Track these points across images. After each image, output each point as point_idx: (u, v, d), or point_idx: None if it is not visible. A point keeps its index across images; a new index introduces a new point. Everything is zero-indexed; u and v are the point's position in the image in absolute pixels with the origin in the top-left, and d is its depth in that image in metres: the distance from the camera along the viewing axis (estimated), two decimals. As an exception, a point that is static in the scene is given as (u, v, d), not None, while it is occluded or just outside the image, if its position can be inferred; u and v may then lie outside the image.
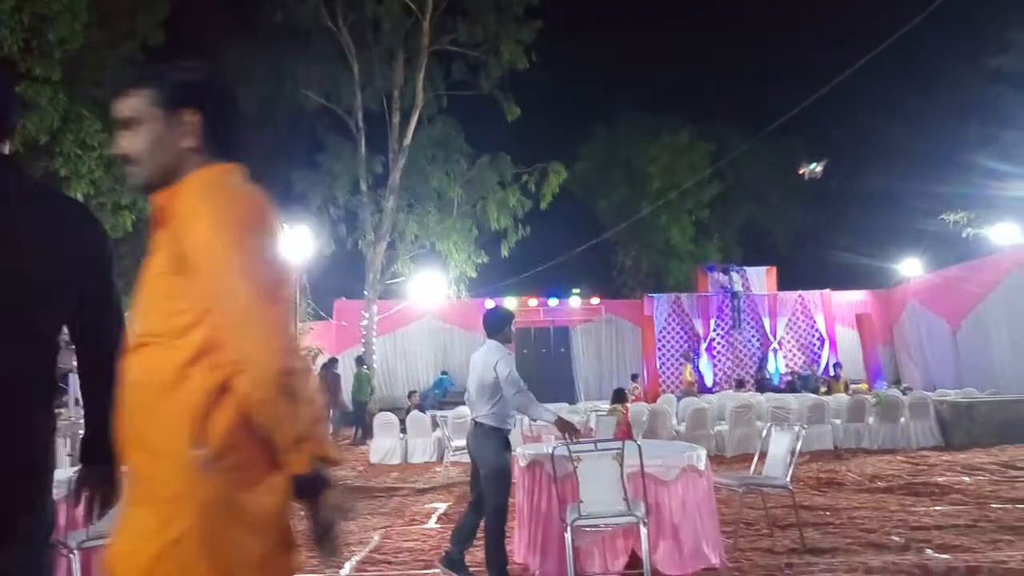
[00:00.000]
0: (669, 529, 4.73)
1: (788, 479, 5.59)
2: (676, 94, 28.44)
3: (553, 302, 19.72)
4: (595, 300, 20.28)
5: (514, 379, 4.65)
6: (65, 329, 1.92)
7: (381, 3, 17.57)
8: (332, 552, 1.58)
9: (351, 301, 19.48)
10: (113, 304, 1.96)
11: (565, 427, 4.49)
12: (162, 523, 1.45)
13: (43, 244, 1.76)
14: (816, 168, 19.78)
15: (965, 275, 16.53)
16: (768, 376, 17.99)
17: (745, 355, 18.92)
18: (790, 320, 19.13)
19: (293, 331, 1.62)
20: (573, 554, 4.74)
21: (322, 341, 17.77)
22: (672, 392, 16.23)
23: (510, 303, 17.70)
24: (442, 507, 7.68)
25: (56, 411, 1.85)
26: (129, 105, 1.63)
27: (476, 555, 4.90)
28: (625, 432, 9.49)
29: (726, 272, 19.45)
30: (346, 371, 17.09)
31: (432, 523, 6.93)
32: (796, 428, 5.83)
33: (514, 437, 5.56)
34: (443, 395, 17.37)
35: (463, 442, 10.16)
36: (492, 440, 4.68)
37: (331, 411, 14.95)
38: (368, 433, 13.82)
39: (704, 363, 18.62)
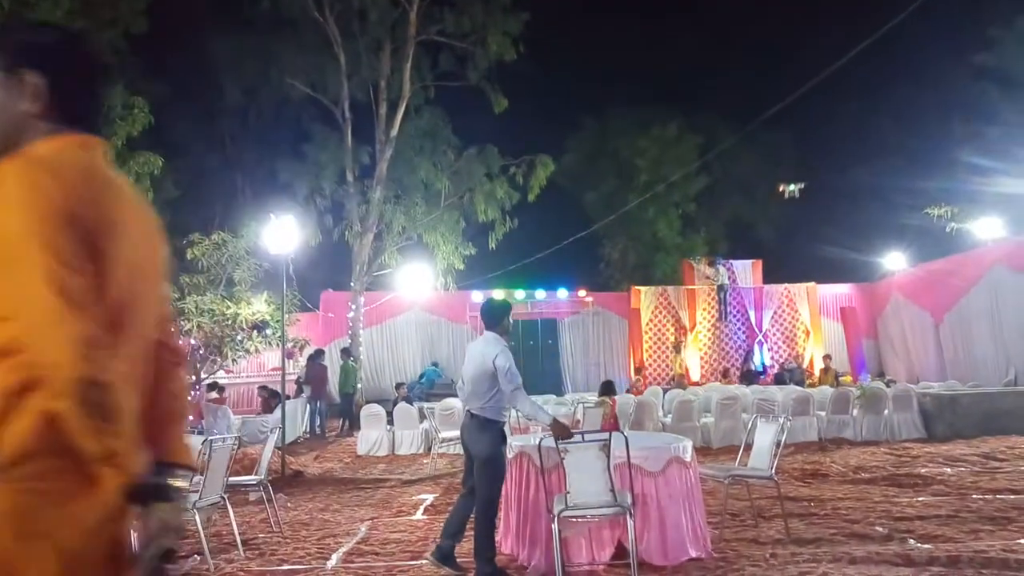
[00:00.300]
0: (655, 520, 4.76)
1: (773, 470, 5.63)
2: (664, 87, 28.47)
3: (541, 294, 19.73)
4: (582, 292, 20.32)
5: (513, 374, 4.60)
6: None
7: (368, -8, 17.47)
8: (146, 572, 1.43)
9: (338, 292, 19.40)
10: None
11: (560, 430, 4.44)
12: None
13: None
14: (794, 189, 20.51)
15: (949, 269, 16.68)
16: (754, 368, 18.09)
17: (731, 347, 19.02)
18: (776, 313, 19.25)
19: (136, 339, 1.44)
20: (561, 545, 4.77)
21: (308, 333, 17.68)
22: (659, 384, 16.29)
23: (498, 295, 17.69)
24: (429, 498, 7.68)
25: None
26: None
27: (464, 546, 4.91)
28: (612, 424, 9.53)
29: (712, 264, 19.52)
30: (332, 363, 17.04)
31: (419, 514, 6.94)
32: (781, 420, 5.88)
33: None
34: (430, 387, 17.35)
35: (451, 434, 10.21)
36: (487, 432, 4.66)
37: (317, 403, 14.91)
38: (355, 425, 13.80)
39: (690, 355, 18.70)
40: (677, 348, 18.63)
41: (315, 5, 17.26)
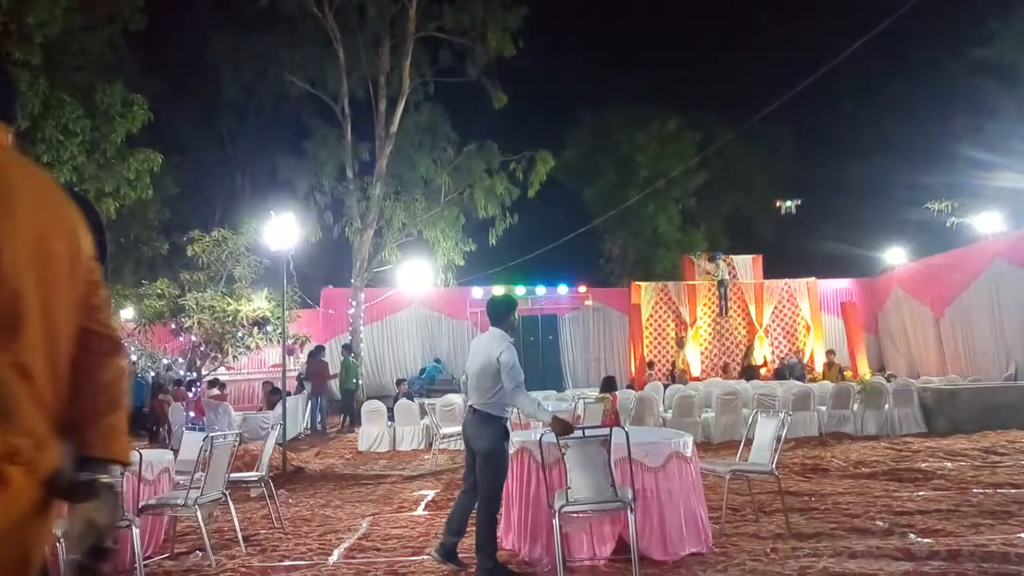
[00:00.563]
0: (656, 515, 4.77)
1: (773, 465, 5.64)
2: (664, 82, 28.40)
3: (541, 290, 19.74)
4: (583, 288, 20.32)
5: (516, 371, 4.59)
6: None
7: (367, -12, 17.44)
8: (74, 573, 1.38)
9: (338, 289, 19.41)
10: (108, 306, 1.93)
11: (561, 427, 4.43)
12: None
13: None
14: (791, 205, 20.76)
15: (949, 263, 16.68)
16: (755, 364, 18.09)
17: (731, 343, 19.02)
18: (776, 308, 19.24)
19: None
20: (562, 540, 4.77)
21: (309, 329, 17.70)
22: (659, 380, 16.29)
23: (498, 291, 17.69)
24: (430, 494, 7.69)
25: None
26: None
27: (465, 541, 4.91)
28: (613, 420, 9.53)
29: (712, 260, 19.51)
30: (333, 359, 17.05)
31: (420, 510, 6.95)
32: (781, 415, 5.88)
33: (503, 424, 5.55)
34: (430, 382, 17.37)
35: (451, 430, 10.23)
36: (490, 427, 4.66)
37: (318, 399, 14.92)
38: (356, 421, 13.81)
39: (691, 351, 18.70)
40: (680, 343, 18.63)
41: (314, 1, 17.24)
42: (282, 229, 10.75)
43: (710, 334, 19.09)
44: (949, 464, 8.26)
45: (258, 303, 15.65)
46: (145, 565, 4.78)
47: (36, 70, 11.32)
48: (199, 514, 5.11)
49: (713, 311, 19.13)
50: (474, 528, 4.64)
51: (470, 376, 4.92)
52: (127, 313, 15.91)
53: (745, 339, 18.98)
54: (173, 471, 5.92)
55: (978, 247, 16.04)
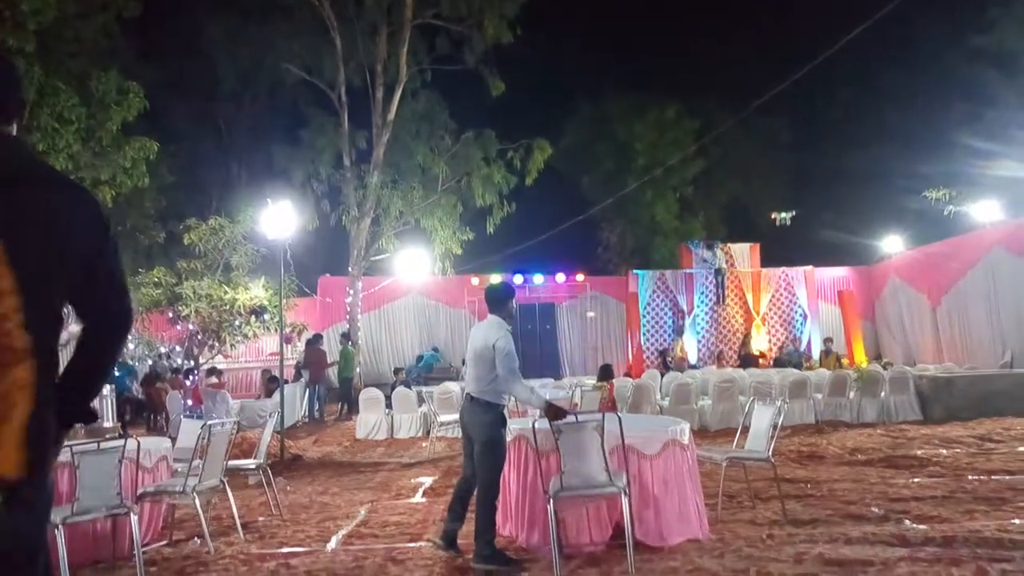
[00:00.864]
0: (652, 502, 4.79)
1: (770, 452, 5.66)
2: (662, 70, 28.28)
3: (538, 279, 19.74)
4: (580, 277, 20.33)
5: (510, 358, 4.58)
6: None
7: (364, -25, 17.34)
8: None
9: (335, 278, 19.39)
10: (113, 276, 1.92)
11: (555, 412, 4.45)
12: None
13: (44, 225, 1.75)
14: (785, 217, 20.83)
15: (946, 252, 16.70)
16: (752, 353, 18.12)
17: (729, 331, 19.05)
18: (773, 296, 19.27)
19: None
20: (559, 526, 4.80)
21: (306, 318, 17.70)
22: (657, 368, 16.32)
23: (496, 280, 17.69)
24: (428, 481, 7.72)
25: None
26: None
27: (464, 527, 4.93)
28: (610, 407, 9.56)
29: (710, 248, 19.51)
30: (331, 348, 17.06)
31: (418, 497, 6.97)
32: (778, 403, 5.90)
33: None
34: (428, 370, 17.38)
35: (449, 417, 10.24)
36: (488, 415, 4.66)
37: (316, 387, 14.94)
38: (354, 409, 13.84)
39: (688, 339, 18.73)
40: (679, 331, 18.66)
41: (310, -12, 17.13)
42: (279, 217, 10.73)
43: (707, 323, 19.11)
44: (944, 451, 8.30)
45: (255, 291, 15.64)
46: (144, 552, 4.79)
47: (30, 57, 11.25)
48: (197, 501, 5.12)
49: (710, 300, 19.15)
50: (473, 515, 4.66)
51: (468, 364, 4.92)
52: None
53: (742, 328, 19.01)
54: (171, 459, 5.93)
55: (975, 235, 16.05)
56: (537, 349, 19.04)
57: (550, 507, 4.36)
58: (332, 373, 16.35)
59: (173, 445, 6.28)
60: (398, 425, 11.82)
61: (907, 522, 5.20)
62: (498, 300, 4.90)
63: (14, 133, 1.87)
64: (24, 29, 11.14)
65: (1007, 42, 17.83)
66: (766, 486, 6.36)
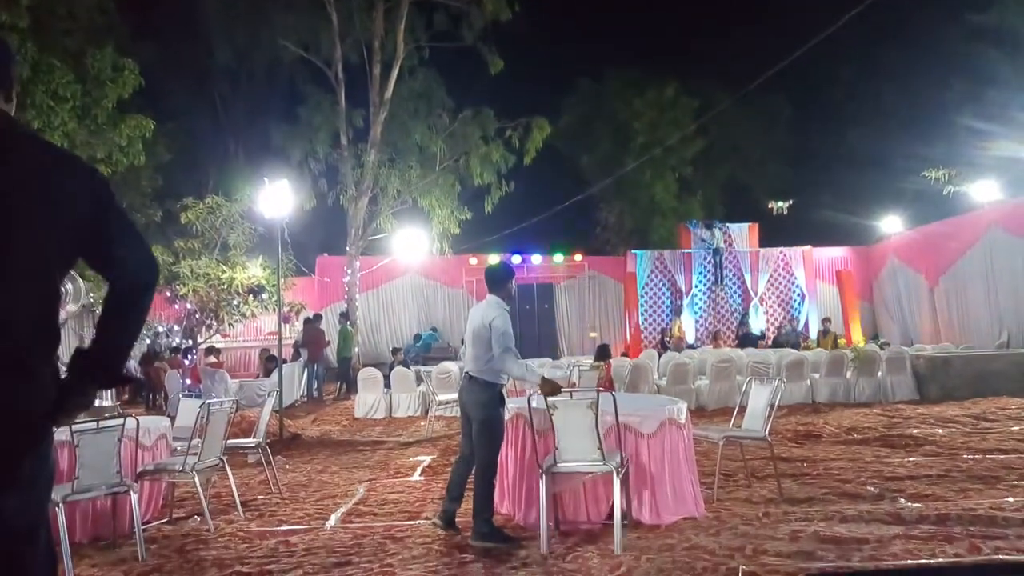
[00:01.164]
0: (649, 480, 4.82)
1: (766, 432, 5.69)
2: (661, 48, 28.13)
3: (536, 259, 19.72)
4: (578, 257, 20.31)
5: (506, 336, 4.58)
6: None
7: (360, -50, 17.12)
8: None
9: (333, 257, 19.36)
10: (124, 230, 1.93)
11: (549, 387, 4.46)
12: None
13: (37, 196, 1.76)
14: (782, 206, 20.79)
15: (945, 232, 16.69)
16: (751, 332, 18.16)
17: (727, 311, 19.07)
18: (771, 276, 19.27)
19: None
20: (558, 503, 4.84)
21: (304, 297, 17.70)
22: (655, 347, 16.36)
23: (494, 260, 17.66)
24: (426, 460, 7.76)
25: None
26: None
27: (462, 505, 4.96)
28: (607, 387, 9.59)
29: (709, 228, 19.48)
30: (329, 327, 17.07)
31: (417, 476, 7.01)
32: (775, 382, 5.92)
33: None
34: (426, 350, 17.42)
35: (447, 396, 10.28)
36: (486, 394, 4.68)
37: (315, 366, 14.97)
38: (352, 388, 13.88)
39: (686, 319, 18.76)
40: (678, 312, 18.68)
41: (306, -37, 16.93)
42: (276, 196, 10.69)
43: (705, 302, 19.13)
44: (940, 430, 8.35)
45: (253, 271, 15.62)
46: (144, 530, 4.82)
47: (24, 34, 11.13)
48: (197, 480, 5.15)
49: (708, 279, 19.15)
50: (471, 493, 4.69)
51: (467, 343, 4.93)
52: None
53: (740, 307, 19.03)
54: (170, 437, 5.95)
55: (974, 216, 16.03)
56: (535, 329, 19.07)
57: (543, 482, 4.39)
58: (331, 352, 16.37)
59: (172, 424, 6.31)
60: (396, 404, 11.87)
61: (902, 500, 5.24)
62: (498, 280, 4.89)
63: (11, 111, 1.88)
64: (17, 5, 11.02)
65: (1007, 20, 17.68)
66: (762, 465, 6.40)
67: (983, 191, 15.84)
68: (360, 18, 17.69)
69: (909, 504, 5.11)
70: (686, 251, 19.26)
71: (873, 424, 9.02)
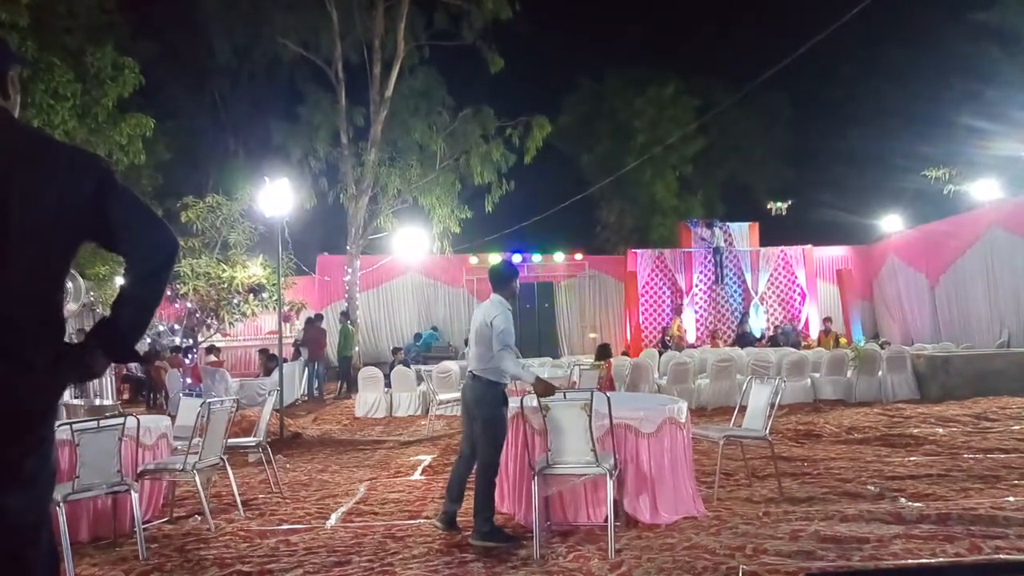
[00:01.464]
0: (649, 480, 4.82)
1: (767, 431, 5.69)
2: (661, 47, 28.10)
3: (537, 257, 19.71)
4: (579, 256, 20.31)
5: (505, 335, 4.58)
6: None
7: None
8: None
9: (333, 256, 19.35)
10: (135, 221, 1.94)
11: (543, 388, 4.45)
12: None
13: (39, 190, 1.77)
14: (781, 206, 20.81)
15: (945, 231, 16.67)
16: (749, 331, 18.17)
17: (727, 310, 19.07)
18: (772, 275, 19.27)
19: None
20: (557, 503, 4.84)
21: (305, 296, 17.70)
22: (655, 347, 16.36)
23: (495, 259, 17.67)
24: (427, 459, 7.76)
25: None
26: None
27: (462, 504, 4.96)
28: (608, 386, 9.60)
29: (709, 227, 19.48)
30: (330, 327, 17.07)
31: (417, 475, 7.01)
32: (775, 381, 5.92)
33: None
34: (426, 349, 17.42)
35: (448, 396, 10.28)
36: (489, 393, 4.67)
37: (315, 365, 14.97)
38: (353, 387, 13.88)
39: (686, 318, 18.76)
40: (678, 311, 18.68)
41: (306, -39, 16.91)
42: (277, 195, 10.68)
43: (705, 302, 19.12)
44: (941, 430, 8.35)
45: (253, 270, 15.62)
46: (145, 529, 4.82)
47: (24, 32, 11.12)
48: (197, 479, 5.15)
49: (709, 279, 19.15)
50: (472, 492, 4.69)
51: (470, 342, 4.92)
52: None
53: (741, 307, 19.03)
54: (171, 437, 5.95)
55: (974, 215, 16.02)
56: (535, 328, 19.06)
57: (534, 484, 4.38)
58: (331, 351, 16.37)
59: (173, 423, 6.31)
60: (397, 404, 11.87)
61: (902, 500, 5.24)
62: (501, 279, 4.89)
63: (11, 108, 1.89)
64: (17, 3, 11.01)
65: (1008, 19, 17.66)
66: (763, 464, 6.40)
67: (983, 190, 15.83)
68: (360, 17, 17.68)
69: (910, 503, 5.11)
70: (686, 250, 19.26)
71: (873, 423, 9.02)
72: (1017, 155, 15.58)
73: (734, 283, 19.18)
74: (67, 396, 9.08)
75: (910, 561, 3.91)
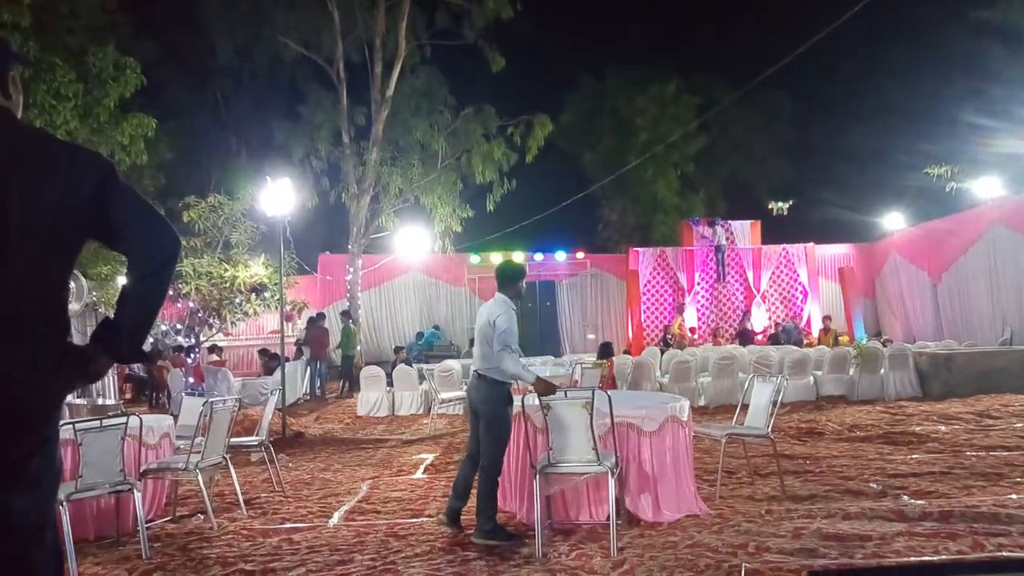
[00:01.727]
0: (652, 478, 4.82)
1: (769, 429, 5.69)
2: (663, 45, 28.08)
3: (539, 256, 19.71)
4: (580, 254, 20.30)
5: (507, 335, 4.57)
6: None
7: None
8: None
9: (335, 255, 19.37)
10: (137, 220, 1.94)
11: (544, 388, 4.45)
12: None
13: (39, 189, 1.78)
14: (782, 206, 20.81)
15: (948, 228, 16.64)
16: (751, 329, 18.15)
17: (729, 308, 19.06)
18: (774, 273, 19.25)
19: None
20: (559, 501, 4.84)
21: (307, 295, 17.70)
22: (657, 345, 16.35)
23: (496, 257, 17.68)
24: (429, 458, 7.76)
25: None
26: None
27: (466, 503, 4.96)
28: (610, 385, 9.61)
29: (711, 225, 19.46)
30: (332, 325, 17.09)
31: (419, 473, 7.02)
32: (777, 379, 5.91)
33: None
34: (428, 348, 17.43)
35: (450, 395, 10.29)
36: (494, 392, 4.67)
37: (317, 364, 14.98)
38: (355, 386, 13.89)
39: (689, 316, 18.75)
40: (680, 310, 18.67)
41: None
42: (278, 195, 10.69)
43: (707, 300, 19.11)
44: (943, 427, 8.34)
45: (255, 269, 15.63)
46: (148, 528, 4.83)
47: (26, 32, 11.13)
48: (200, 478, 5.16)
49: (711, 277, 19.14)
50: (476, 491, 4.69)
51: (475, 341, 4.93)
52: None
53: (742, 305, 19.02)
54: (173, 436, 5.96)
55: (977, 212, 15.99)
56: (537, 327, 19.07)
57: (536, 483, 4.39)
58: (333, 351, 16.38)
59: (175, 422, 6.32)
60: (399, 402, 11.88)
61: (905, 497, 5.23)
62: (507, 278, 4.89)
63: (12, 107, 1.90)
64: (19, 3, 11.01)
65: (1011, 17, 17.62)
66: (765, 462, 6.40)
67: (986, 188, 15.80)
68: (362, 16, 17.68)
69: (912, 501, 5.10)
70: (688, 248, 19.25)
71: (876, 421, 9.01)
72: (1020, 152, 15.54)
73: (736, 281, 19.17)
74: (70, 396, 9.08)
75: (912, 559, 3.91)
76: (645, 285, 19.10)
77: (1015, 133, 15.78)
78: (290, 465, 7.70)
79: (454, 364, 11.60)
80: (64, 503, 4.23)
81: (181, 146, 20.49)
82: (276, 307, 14.87)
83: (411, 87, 18.73)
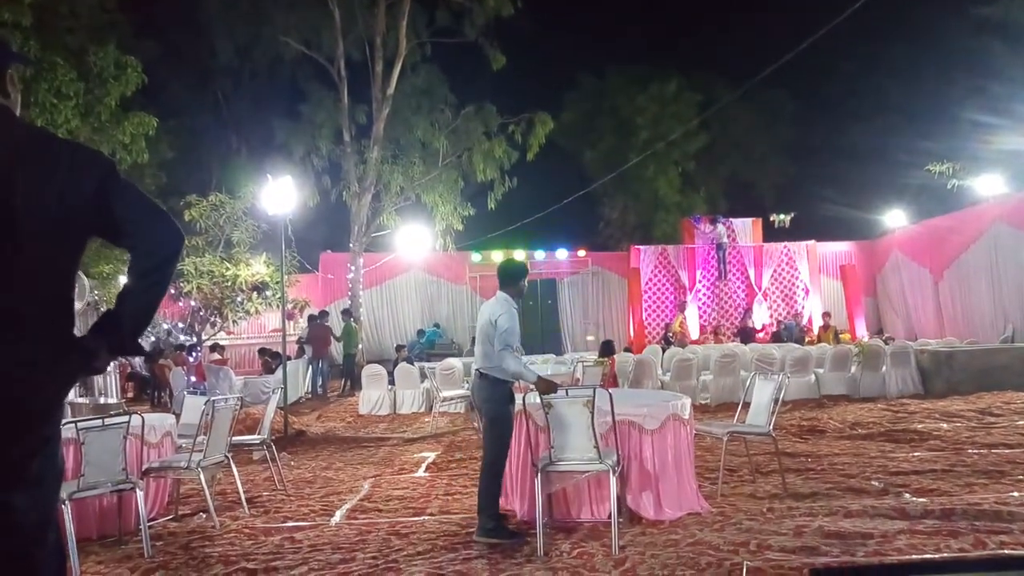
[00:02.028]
0: (653, 476, 4.82)
1: (770, 427, 5.69)
2: (663, 43, 28.04)
3: (540, 254, 19.71)
4: (582, 252, 20.30)
5: (508, 334, 4.57)
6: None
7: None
8: None
9: (337, 254, 19.38)
10: (139, 216, 1.94)
11: (545, 386, 4.45)
12: None
13: (40, 188, 1.78)
14: (784, 219, 20.85)
15: (949, 226, 16.63)
16: (752, 327, 18.14)
17: (730, 306, 19.05)
18: (775, 271, 19.24)
19: None
20: (560, 499, 4.84)
21: (308, 294, 17.71)
22: (658, 343, 16.35)
23: (498, 256, 17.67)
24: (431, 456, 7.77)
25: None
26: None
27: (467, 501, 4.97)
28: (611, 383, 9.61)
29: (712, 223, 19.45)
30: (334, 324, 17.08)
31: (421, 472, 7.02)
32: (779, 377, 5.91)
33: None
34: (430, 347, 17.43)
35: (451, 393, 10.29)
36: (496, 391, 4.68)
37: (319, 363, 14.99)
38: (356, 385, 13.90)
39: (690, 314, 18.74)
40: (681, 308, 18.67)
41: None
42: (279, 193, 10.69)
43: (709, 298, 19.11)
44: (945, 425, 8.34)
45: (257, 268, 15.64)
46: (150, 526, 4.84)
47: (27, 31, 11.14)
48: (202, 476, 5.16)
49: (712, 275, 19.13)
50: (477, 488, 4.69)
51: (476, 340, 4.93)
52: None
53: (744, 302, 19.01)
54: (175, 435, 5.97)
55: (978, 210, 15.98)
56: (538, 325, 19.07)
57: (537, 481, 4.39)
58: (335, 349, 16.40)
59: (177, 421, 6.32)
60: (401, 401, 11.88)
61: (907, 495, 5.23)
62: (509, 277, 4.88)
63: (12, 106, 1.90)
64: (20, 3, 11.02)
65: (1012, 14, 17.59)
66: (767, 460, 6.41)
67: (987, 185, 15.79)
68: (362, 14, 17.66)
69: (914, 499, 5.10)
70: (689, 246, 19.24)
71: (877, 419, 9.01)
72: (1021, 149, 15.52)
73: (737, 279, 19.16)
74: (72, 394, 9.10)
75: (914, 557, 3.92)
76: (646, 283, 19.09)
77: (1016, 130, 15.76)
78: (292, 464, 7.71)
79: (456, 362, 11.60)
80: (66, 502, 4.24)
81: (182, 145, 20.49)
82: (277, 306, 14.88)
83: (412, 85, 18.72)
